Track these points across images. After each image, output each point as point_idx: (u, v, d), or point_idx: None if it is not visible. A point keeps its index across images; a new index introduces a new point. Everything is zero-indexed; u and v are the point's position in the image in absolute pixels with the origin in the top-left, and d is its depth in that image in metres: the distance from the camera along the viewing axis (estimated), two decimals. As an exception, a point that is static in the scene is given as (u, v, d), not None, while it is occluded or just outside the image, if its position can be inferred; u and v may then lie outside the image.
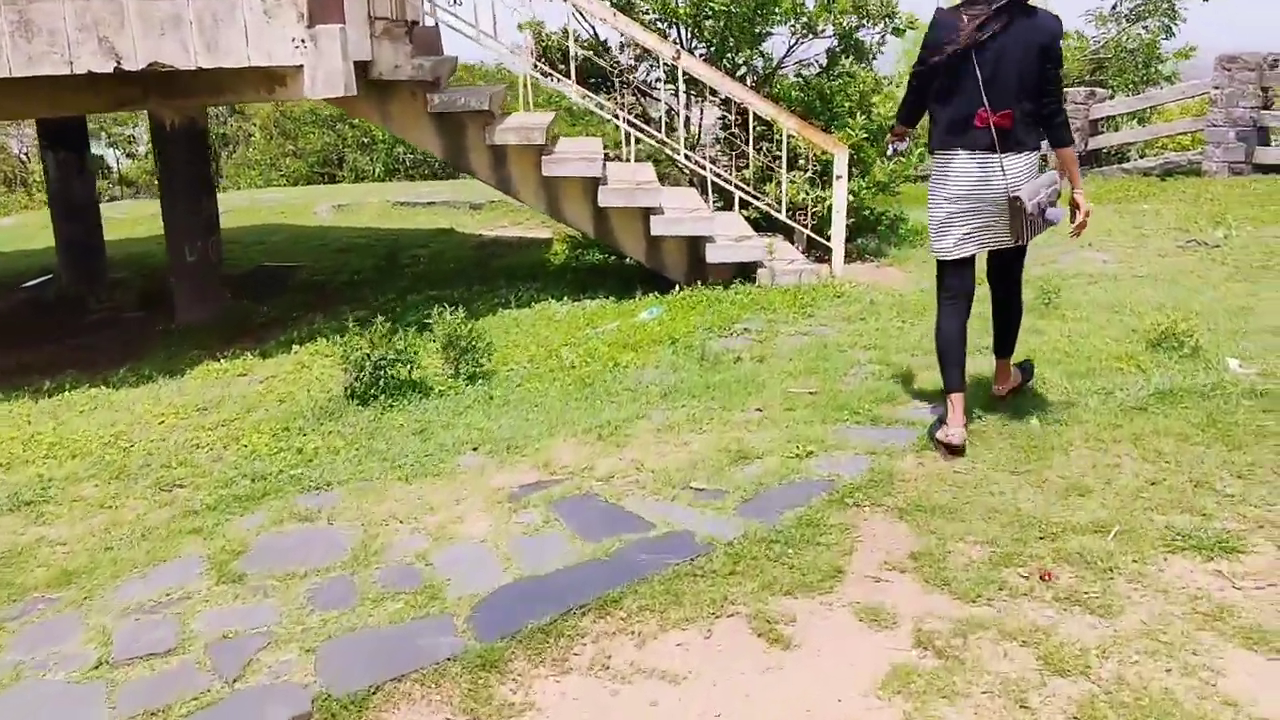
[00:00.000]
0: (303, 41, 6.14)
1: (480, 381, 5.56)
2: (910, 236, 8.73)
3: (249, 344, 7.57)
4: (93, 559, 3.74)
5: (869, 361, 5.33)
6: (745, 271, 7.53)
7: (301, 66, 6.20)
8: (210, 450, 4.92)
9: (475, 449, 4.56)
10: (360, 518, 3.90)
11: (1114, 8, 14.83)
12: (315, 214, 13.73)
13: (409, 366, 5.40)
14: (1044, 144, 4.25)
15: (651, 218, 7.50)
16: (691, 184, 8.81)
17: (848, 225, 8.05)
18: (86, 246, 9.37)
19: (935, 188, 4.25)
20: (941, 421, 4.22)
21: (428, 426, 4.92)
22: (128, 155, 27.66)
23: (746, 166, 8.36)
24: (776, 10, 8.32)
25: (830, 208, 7.70)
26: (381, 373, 5.32)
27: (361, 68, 7.04)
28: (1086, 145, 14.03)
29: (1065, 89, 14.43)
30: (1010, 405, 4.54)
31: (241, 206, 14.82)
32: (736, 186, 8.04)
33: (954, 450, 4.07)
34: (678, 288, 7.51)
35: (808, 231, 7.94)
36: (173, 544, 3.80)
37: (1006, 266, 4.44)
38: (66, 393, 6.09)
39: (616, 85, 8.54)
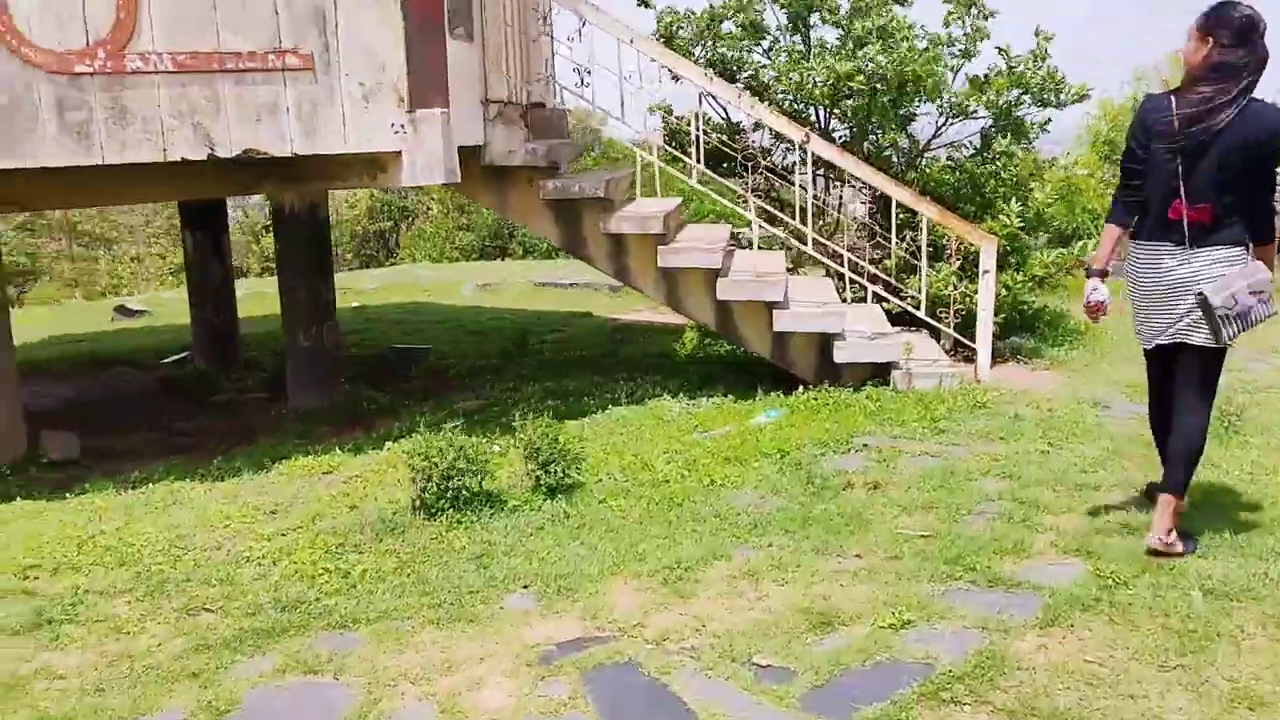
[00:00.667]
0: (402, 127, 5.87)
1: (560, 496, 5.04)
2: (1072, 336, 7.82)
3: (356, 434, 7.31)
4: (78, 704, 3.37)
5: (999, 496, 4.55)
6: (881, 372, 6.83)
7: (400, 152, 5.93)
8: (259, 565, 4.55)
9: (526, 586, 4.02)
10: (370, 672, 3.41)
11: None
12: (461, 293, 13.68)
13: (480, 478, 4.93)
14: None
15: (774, 312, 6.90)
16: (829, 274, 8.18)
17: (999, 322, 7.27)
18: (220, 326, 9.42)
19: (1131, 277, 4.13)
20: None
21: (488, 550, 4.43)
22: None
23: (888, 256, 7.69)
24: (922, 89, 7.66)
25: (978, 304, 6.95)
26: (449, 484, 4.87)
27: (474, 152, 6.78)
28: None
29: None
30: (1167, 567, 3.71)
31: (394, 283, 14.96)
32: (871, 277, 7.37)
33: (1154, 552, 3.84)
34: (802, 389, 6.86)
35: (951, 332, 7.17)
36: (165, 691, 3.39)
37: (1187, 375, 4.02)
38: (151, 484, 5.89)
39: (747, 169, 8.02)
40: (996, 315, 7.31)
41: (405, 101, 5.87)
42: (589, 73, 7.83)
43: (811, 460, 5.23)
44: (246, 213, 26.44)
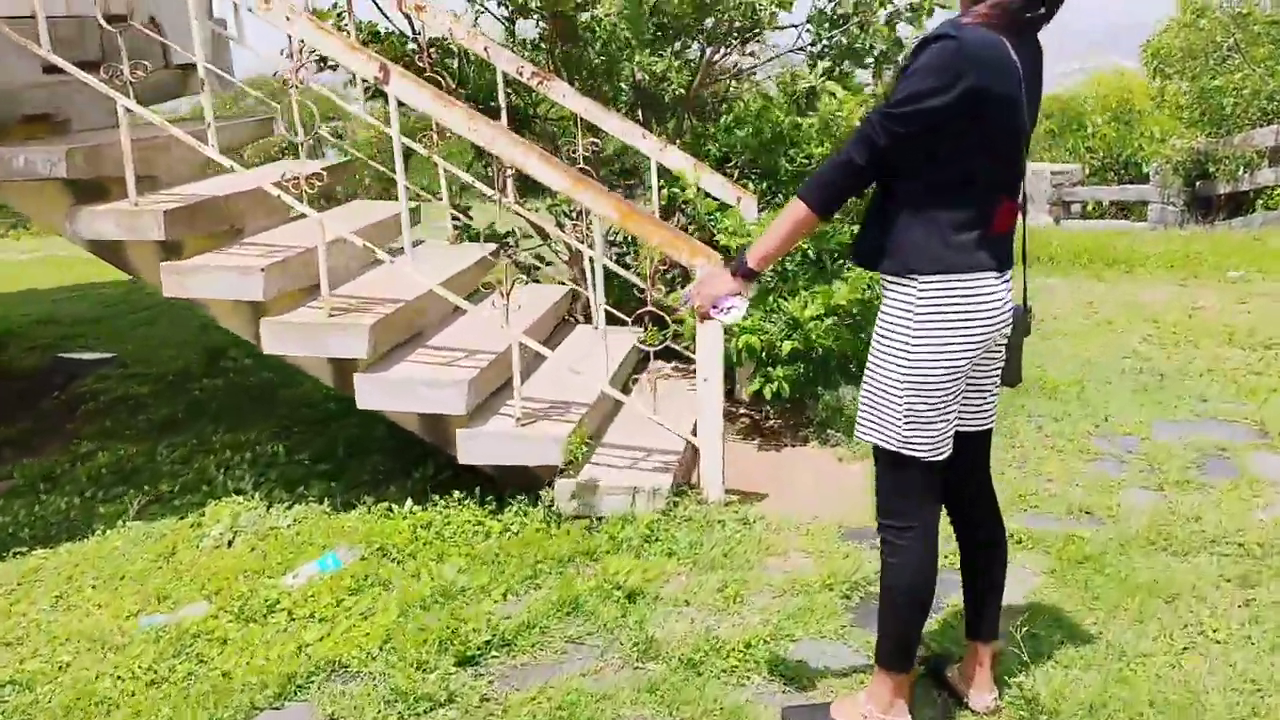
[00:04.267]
0: None
1: None
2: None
3: None
4: None
5: None
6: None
7: None
8: None
9: None
10: None
11: None
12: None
13: None
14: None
15: (357, 379, 4.03)
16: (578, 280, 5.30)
17: (789, 376, 4.33)
18: None
19: (937, 343, 2.30)
20: None
21: None
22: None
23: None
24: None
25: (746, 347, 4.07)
26: None
27: None
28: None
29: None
30: None
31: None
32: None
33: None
34: (409, 505, 4.08)
35: (648, 414, 4.20)
36: None
37: (981, 459, 2.61)
38: None
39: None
40: (795, 362, 4.38)
41: None
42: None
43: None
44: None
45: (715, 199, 4.73)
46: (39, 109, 4.38)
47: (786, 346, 4.36)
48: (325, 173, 3.95)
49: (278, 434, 5.34)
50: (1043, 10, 2.19)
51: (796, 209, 2.36)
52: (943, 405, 2.32)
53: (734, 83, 5.21)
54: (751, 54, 5.52)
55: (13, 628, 3.54)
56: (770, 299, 4.54)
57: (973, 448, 2.52)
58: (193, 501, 4.54)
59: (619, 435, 4.28)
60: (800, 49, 4.98)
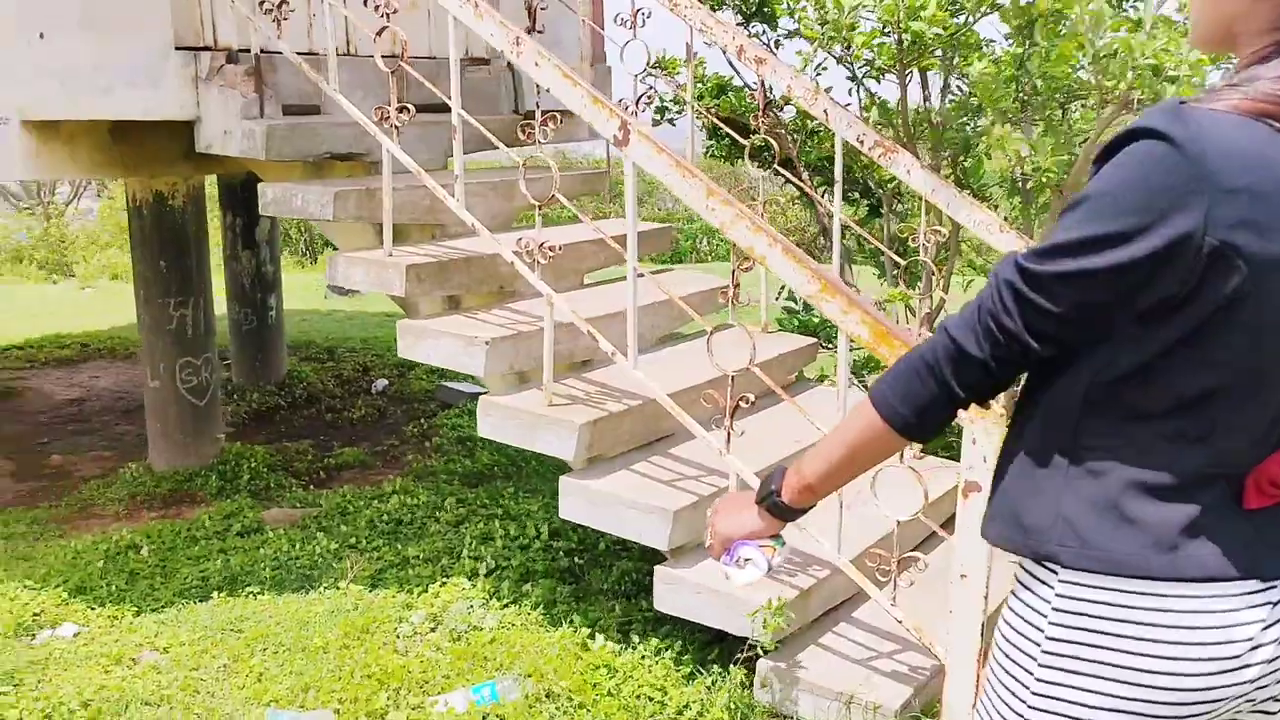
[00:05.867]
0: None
1: None
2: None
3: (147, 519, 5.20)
4: None
5: None
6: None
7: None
8: None
9: None
10: None
11: None
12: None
13: None
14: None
15: (562, 482, 3.45)
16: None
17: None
18: (257, 333, 7.62)
19: (1081, 697, 1.21)
20: None
21: None
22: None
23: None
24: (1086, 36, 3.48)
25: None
26: None
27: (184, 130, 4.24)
28: None
29: None
30: None
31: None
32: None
33: None
34: (605, 640, 3.42)
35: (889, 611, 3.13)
36: None
37: None
38: None
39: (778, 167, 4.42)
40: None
41: None
42: None
43: None
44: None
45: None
46: (346, 149, 4.30)
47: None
48: (561, 246, 3.42)
49: (523, 509, 4.91)
50: None
51: (865, 417, 1.37)
52: None
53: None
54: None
55: (159, 689, 3.37)
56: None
57: None
58: (424, 575, 4.21)
59: (873, 614, 3.29)
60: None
